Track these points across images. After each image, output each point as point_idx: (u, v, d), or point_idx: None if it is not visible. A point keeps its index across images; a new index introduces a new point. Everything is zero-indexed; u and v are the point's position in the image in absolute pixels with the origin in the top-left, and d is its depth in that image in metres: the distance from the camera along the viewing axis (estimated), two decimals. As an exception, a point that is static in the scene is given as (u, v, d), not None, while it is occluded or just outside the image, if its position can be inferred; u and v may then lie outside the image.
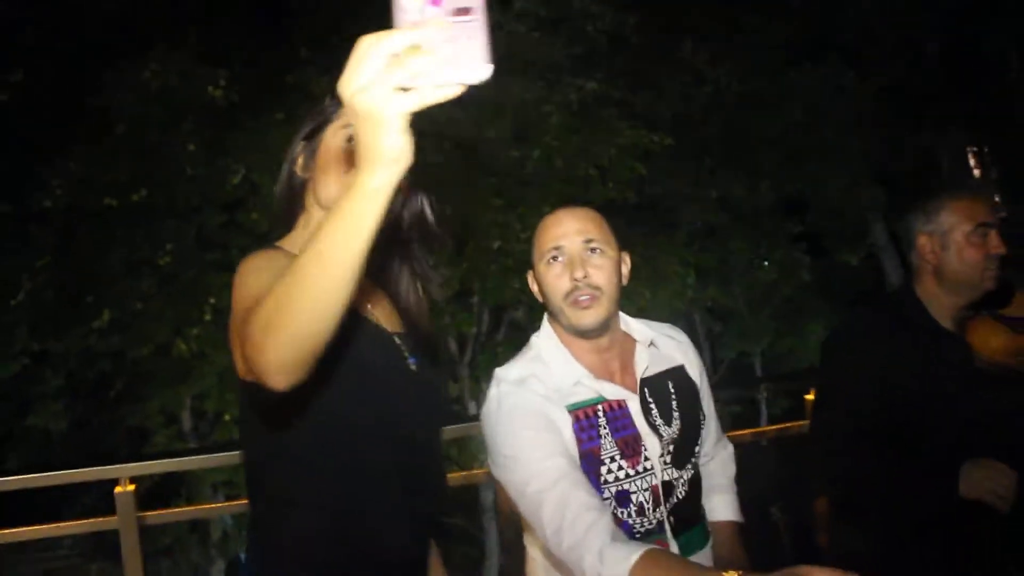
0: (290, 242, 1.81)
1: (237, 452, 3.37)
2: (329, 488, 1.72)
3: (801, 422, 3.81)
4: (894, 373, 2.51)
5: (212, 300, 9.27)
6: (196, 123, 8.96)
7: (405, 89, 0.97)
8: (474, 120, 9.34)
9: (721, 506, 2.34)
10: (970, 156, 13.56)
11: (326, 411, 1.67)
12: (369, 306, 1.85)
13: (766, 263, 11.82)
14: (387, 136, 1.01)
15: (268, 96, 9.03)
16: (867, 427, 2.50)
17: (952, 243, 2.55)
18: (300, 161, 1.84)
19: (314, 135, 1.83)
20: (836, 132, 10.82)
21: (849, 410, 2.55)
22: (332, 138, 1.80)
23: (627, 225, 10.48)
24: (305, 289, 1.13)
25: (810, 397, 3.77)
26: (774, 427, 3.84)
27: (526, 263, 2.21)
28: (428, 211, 1.91)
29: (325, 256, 1.11)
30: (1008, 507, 2.22)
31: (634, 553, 1.63)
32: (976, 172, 13.55)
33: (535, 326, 2.25)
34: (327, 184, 1.77)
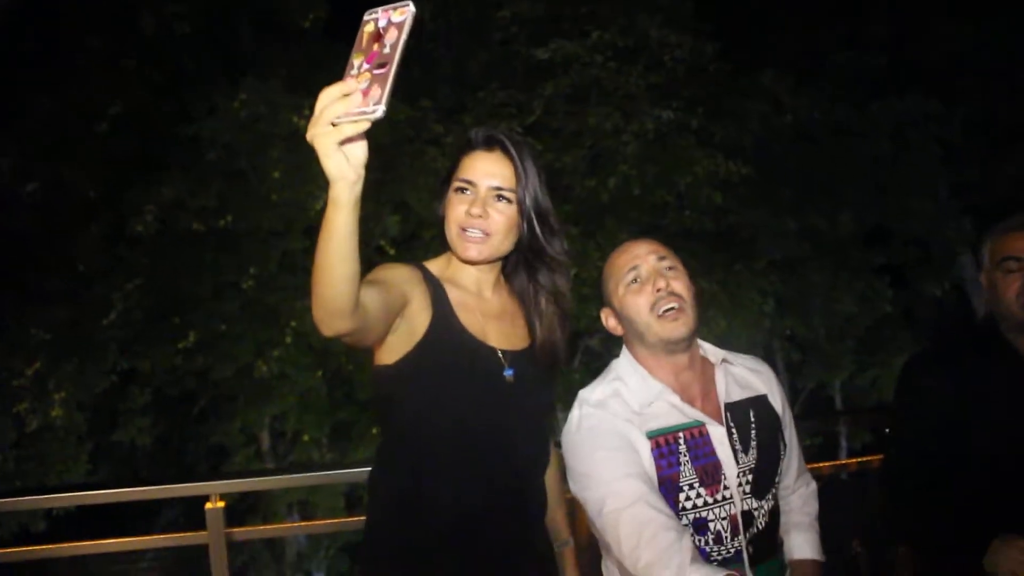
0: (432, 263, 2.10)
1: (325, 473, 3.46)
2: (401, 463, 1.98)
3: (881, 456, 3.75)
4: (969, 409, 2.45)
5: (294, 323, 9.48)
6: (282, 150, 9.21)
7: (335, 125, 1.31)
8: (549, 147, 9.42)
9: (802, 544, 2.29)
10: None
11: (409, 403, 1.92)
12: (483, 324, 2.03)
13: (834, 291, 11.52)
14: (325, 160, 1.34)
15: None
16: (934, 465, 2.44)
17: (990, 281, 2.50)
18: (439, 203, 2.08)
19: (448, 180, 2.06)
20: (922, 162, 10.58)
21: (917, 447, 2.50)
22: (450, 188, 2.03)
23: (704, 253, 10.42)
24: (315, 265, 1.49)
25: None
26: (855, 460, 3.77)
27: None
28: (541, 238, 2.07)
29: (320, 246, 1.47)
30: None
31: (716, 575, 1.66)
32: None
33: (612, 353, 2.28)
34: (447, 227, 2.03)
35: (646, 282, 2.08)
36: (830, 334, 11.48)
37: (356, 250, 1.48)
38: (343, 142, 1.34)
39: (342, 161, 1.36)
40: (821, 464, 3.78)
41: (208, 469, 11.75)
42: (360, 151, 1.38)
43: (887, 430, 2.95)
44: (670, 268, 2.09)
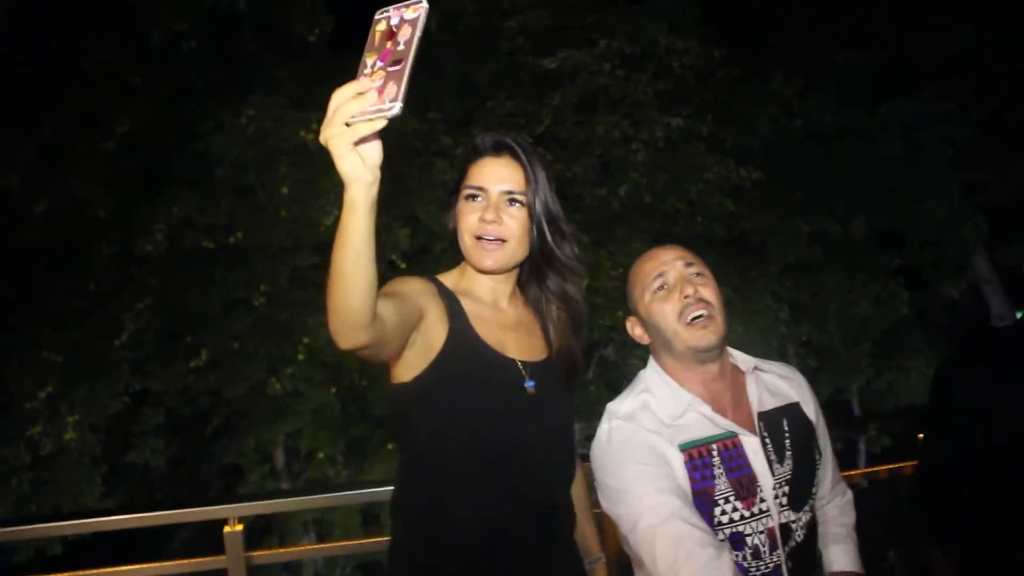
0: (445, 276, 2.06)
1: (343, 494, 3.40)
2: (422, 481, 1.93)
3: (914, 462, 3.67)
4: (1004, 410, 2.39)
5: (306, 340, 9.44)
6: (290, 166, 9.18)
7: (349, 125, 1.28)
8: (558, 157, 9.39)
9: (841, 556, 2.23)
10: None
11: (430, 419, 1.88)
12: (500, 336, 2.00)
13: (850, 295, 11.46)
14: (340, 162, 1.32)
15: (359, 139, 9.10)
16: (970, 471, 2.38)
17: None
18: (450, 215, 2.05)
19: (456, 191, 2.03)
20: (934, 163, 10.52)
21: (953, 452, 2.44)
22: (460, 197, 2.01)
23: (717, 259, 10.36)
24: (332, 277, 1.45)
25: (922, 436, 3.64)
26: (886, 467, 3.70)
27: (616, 300, 2.22)
28: (551, 243, 2.03)
29: (336, 254, 1.43)
30: None
31: None
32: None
33: (627, 363, 2.24)
34: (459, 237, 2.00)
35: (673, 289, 2.03)
36: (846, 338, 11.40)
37: (373, 256, 1.45)
38: (358, 143, 1.31)
39: (357, 162, 1.33)
40: (851, 472, 3.72)
41: (223, 489, 11.72)
42: (376, 152, 1.35)
43: (920, 435, 2.90)
44: (698, 274, 2.05)
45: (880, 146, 10.55)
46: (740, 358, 2.17)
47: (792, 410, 2.15)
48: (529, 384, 1.97)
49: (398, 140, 9.13)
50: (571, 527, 2.11)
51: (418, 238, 9.93)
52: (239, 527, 3.11)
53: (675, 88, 9.84)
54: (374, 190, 1.37)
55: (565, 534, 2.08)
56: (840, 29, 10.77)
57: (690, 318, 1.99)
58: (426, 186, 9.33)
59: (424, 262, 9.91)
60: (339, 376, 10.10)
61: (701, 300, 2.00)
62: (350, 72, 1.28)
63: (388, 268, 9.67)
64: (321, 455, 10.77)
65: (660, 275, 2.05)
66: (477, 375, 1.90)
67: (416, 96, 9.40)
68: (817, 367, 12.39)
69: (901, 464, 3.68)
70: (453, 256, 2.09)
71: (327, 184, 9.00)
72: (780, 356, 11.33)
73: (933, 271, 12.04)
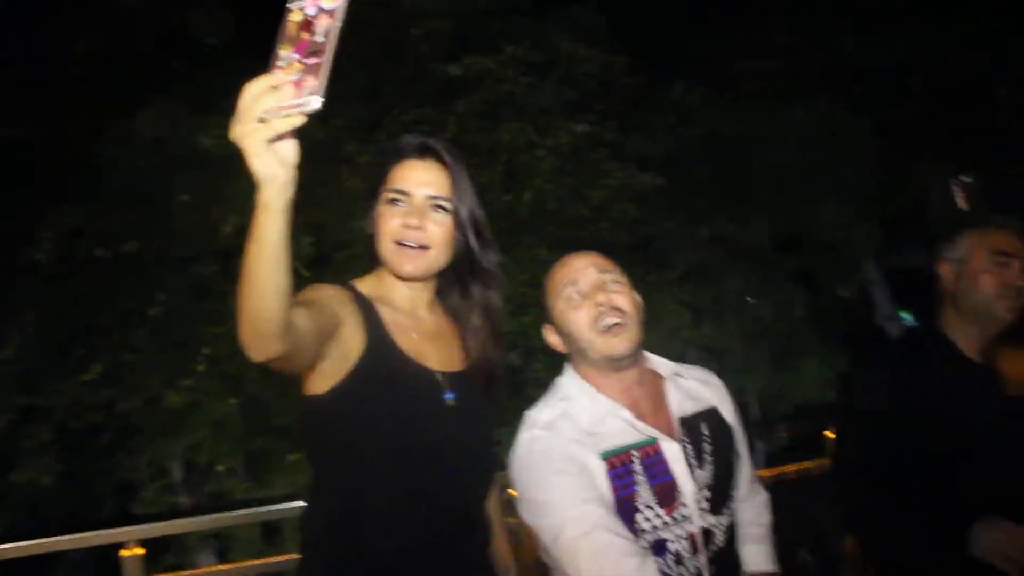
0: (361, 283, 1.98)
1: (247, 512, 3.27)
2: (336, 497, 1.87)
3: (820, 460, 3.77)
4: (915, 408, 2.47)
5: (206, 350, 9.14)
6: (189, 173, 8.88)
7: (264, 122, 1.23)
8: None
9: (758, 556, 2.27)
10: (956, 189, 13.67)
11: (347, 432, 1.83)
12: (419, 346, 1.93)
13: (750, 299, 11.76)
14: (254, 160, 1.26)
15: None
16: (886, 467, 2.46)
17: (969, 271, 2.54)
18: (369, 220, 1.98)
19: (375, 196, 1.96)
20: (829, 169, 10.87)
21: (869, 450, 2.52)
22: (380, 201, 1.93)
23: (621, 266, 10.39)
24: (244, 284, 1.38)
25: (830, 434, 3.75)
26: (795, 466, 3.81)
27: (520, 306, 2.20)
28: (476, 251, 2.00)
29: (248, 259, 1.36)
30: (1020, 573, 2.17)
31: None
32: (964, 205, 13.66)
33: (531, 367, 2.23)
34: (379, 242, 1.93)
35: (586, 297, 2.03)
36: (745, 340, 11.66)
37: (288, 261, 1.39)
38: (273, 140, 1.26)
39: (272, 161, 1.28)
40: (763, 472, 3.79)
41: (115, 507, 11.27)
42: (291, 150, 1.31)
43: (827, 433, 2.98)
44: (613, 281, 2.05)
45: (778, 152, 10.82)
46: (659, 364, 2.18)
47: (711, 415, 2.18)
48: (449, 396, 1.92)
49: (302, 147, 8.94)
50: (488, 541, 2.09)
51: (321, 246, 9.75)
52: (138, 551, 2.97)
53: (579, 95, 9.89)
54: (290, 190, 1.32)
55: (482, 549, 2.06)
56: (741, 38, 11.01)
57: (603, 326, 1.99)
58: (330, 193, 9.15)
59: (323, 271, 9.73)
60: (240, 387, 9.82)
61: (614, 308, 2.00)
62: (255, 74, 1.22)
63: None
64: (221, 468, 10.47)
65: (573, 283, 2.05)
66: (395, 387, 1.85)
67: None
68: (718, 370, 12.65)
69: (807, 464, 3.79)
70: (369, 261, 2.03)
71: (228, 191, 8.78)
72: (681, 360, 11.48)
73: (827, 274, 12.42)
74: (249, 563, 3.66)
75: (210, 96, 9.02)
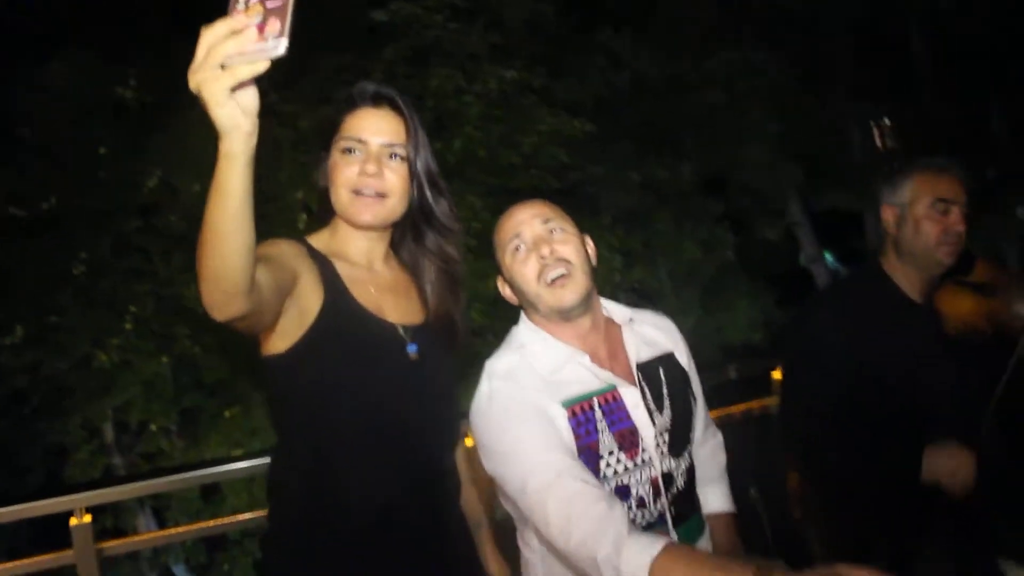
0: (314, 238, 1.95)
1: (198, 473, 3.22)
2: (305, 458, 1.84)
3: (766, 400, 3.85)
4: (862, 348, 2.54)
5: (133, 308, 8.93)
6: (107, 125, 8.58)
7: (225, 68, 1.18)
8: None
9: (715, 497, 2.33)
10: (875, 130, 13.94)
11: (311, 390, 1.79)
12: (378, 299, 1.91)
13: (678, 240, 11.87)
14: (216, 109, 1.21)
15: (182, 95, 8.63)
16: (835, 404, 2.53)
17: (911, 216, 2.60)
18: (321, 172, 1.95)
19: (328, 147, 1.92)
20: (753, 112, 10.98)
21: (816, 389, 2.58)
22: (334, 151, 1.90)
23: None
24: (206, 240, 1.35)
25: (777, 375, 3.82)
26: (742, 405, 3.87)
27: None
28: (431, 201, 1.97)
29: (211, 213, 1.32)
30: (964, 492, 2.26)
31: (655, 545, 1.61)
32: (882, 146, 13.96)
33: (467, 316, 2.22)
34: (334, 193, 1.90)
35: (531, 249, 2.01)
36: (676, 283, 11.82)
37: (252, 215, 1.36)
38: (235, 88, 1.22)
39: (236, 109, 1.24)
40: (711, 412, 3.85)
41: (46, 472, 11.03)
42: (252, 98, 1.27)
43: (774, 374, 3.04)
44: (555, 231, 2.02)
45: (705, 95, 10.89)
46: (615, 310, 2.18)
47: (667, 359, 2.19)
48: (411, 349, 1.91)
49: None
50: (458, 494, 2.09)
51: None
52: (87, 519, 2.91)
53: (507, 41, 9.78)
54: (253, 140, 1.28)
55: (453, 502, 2.06)
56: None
57: (548, 279, 1.98)
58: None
59: (256, 225, 9.52)
60: (170, 345, 9.63)
61: (560, 259, 1.98)
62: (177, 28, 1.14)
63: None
64: (154, 427, 10.31)
65: (517, 235, 2.03)
66: (357, 341, 1.83)
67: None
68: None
69: (752, 404, 3.87)
70: (320, 215, 1.99)
71: (148, 143, 8.52)
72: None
73: (754, 216, 12.62)
74: (201, 524, 3.59)
75: (125, 44, 8.74)
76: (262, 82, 1.23)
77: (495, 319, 7.55)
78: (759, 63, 10.80)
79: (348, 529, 1.82)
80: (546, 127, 9.77)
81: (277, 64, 1.19)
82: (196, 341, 9.68)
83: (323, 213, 1.98)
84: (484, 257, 2.52)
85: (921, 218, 2.58)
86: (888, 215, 2.67)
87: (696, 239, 11.56)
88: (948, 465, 2.29)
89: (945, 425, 2.50)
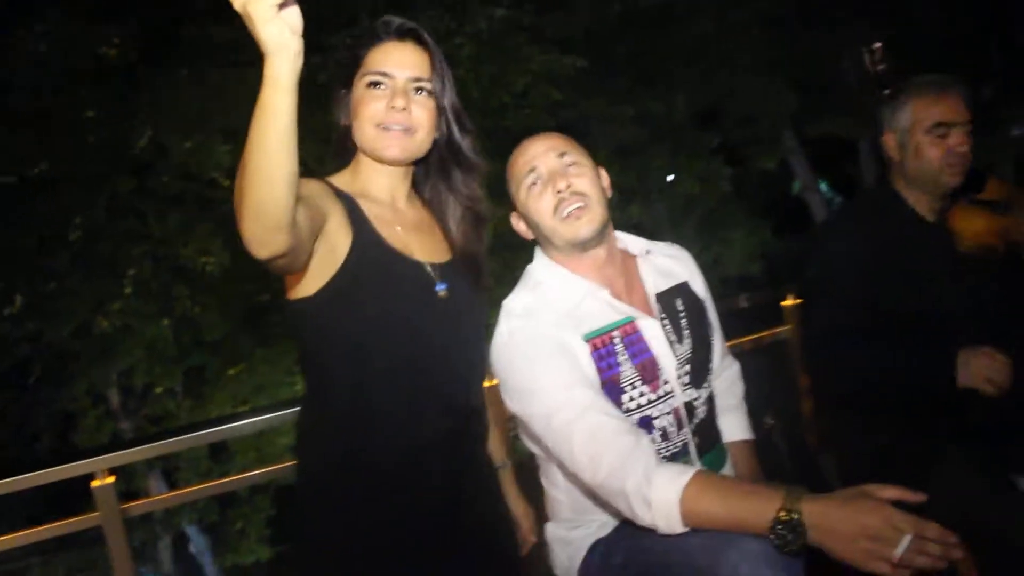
0: (336, 178, 1.87)
1: (215, 430, 3.18)
2: (340, 401, 1.79)
3: (778, 328, 3.83)
4: (878, 270, 2.53)
5: (132, 271, 8.88)
6: (94, 86, 8.43)
7: None
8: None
9: (734, 426, 2.31)
10: (866, 55, 13.82)
11: (342, 332, 1.74)
12: (405, 238, 1.86)
13: (671, 178, 11.84)
14: (264, 26, 1.17)
15: (168, 52, 8.56)
16: (858, 319, 2.51)
17: (911, 142, 2.58)
18: (342, 111, 1.88)
19: (349, 83, 1.84)
20: (744, 40, 10.87)
21: (837, 313, 2.56)
22: (358, 86, 1.82)
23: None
24: (250, 170, 1.29)
25: (787, 303, 3.81)
26: (752, 336, 3.85)
27: None
28: (458, 137, 1.91)
29: (255, 141, 1.27)
30: (1002, 395, 2.25)
31: (685, 474, 1.62)
32: (873, 70, 13.84)
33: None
34: (359, 129, 1.82)
35: (547, 183, 1.96)
36: (673, 217, 11.80)
37: (296, 143, 1.31)
38: (281, 5, 1.17)
39: (283, 26, 1.19)
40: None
41: (54, 439, 11.03)
42: (296, 17, 1.21)
43: (802, 300, 3.01)
44: (572, 164, 1.98)
45: (696, 25, 10.76)
46: (630, 242, 2.15)
47: (684, 289, 2.16)
48: (440, 287, 1.85)
49: (207, 50, 8.59)
50: (487, 434, 2.05)
51: (239, 153, 9.41)
52: (110, 480, 2.86)
53: (495, -23, 9.65)
54: (299, 61, 1.23)
55: (483, 442, 2.03)
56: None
57: (565, 212, 1.94)
58: (242, 97, 8.79)
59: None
60: (170, 306, 9.61)
61: (575, 193, 1.94)
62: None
63: (209, 188, 9.17)
64: (159, 390, 10.34)
65: (532, 170, 1.98)
66: (388, 281, 1.77)
67: (224, 4, 8.81)
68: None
69: (764, 333, 3.86)
70: (339, 157, 1.93)
71: (136, 103, 8.38)
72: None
73: (749, 146, 12.55)
74: (226, 480, 3.55)
75: (108, 3, 8.56)
76: (246, 32, 1.17)
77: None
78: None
79: (384, 471, 1.78)
80: (537, 65, 9.67)
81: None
82: (196, 301, 9.66)
83: (343, 153, 1.92)
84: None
85: (922, 143, 2.56)
86: (890, 141, 2.64)
87: (692, 173, 11.50)
88: (988, 366, 2.27)
89: (964, 342, 2.51)
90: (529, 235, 2.08)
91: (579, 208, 1.93)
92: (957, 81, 2.60)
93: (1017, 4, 12.20)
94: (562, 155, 1.98)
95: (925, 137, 2.55)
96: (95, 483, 2.84)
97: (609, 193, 2.06)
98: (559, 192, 1.93)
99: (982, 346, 2.30)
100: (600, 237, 1.98)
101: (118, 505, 2.86)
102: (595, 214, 1.95)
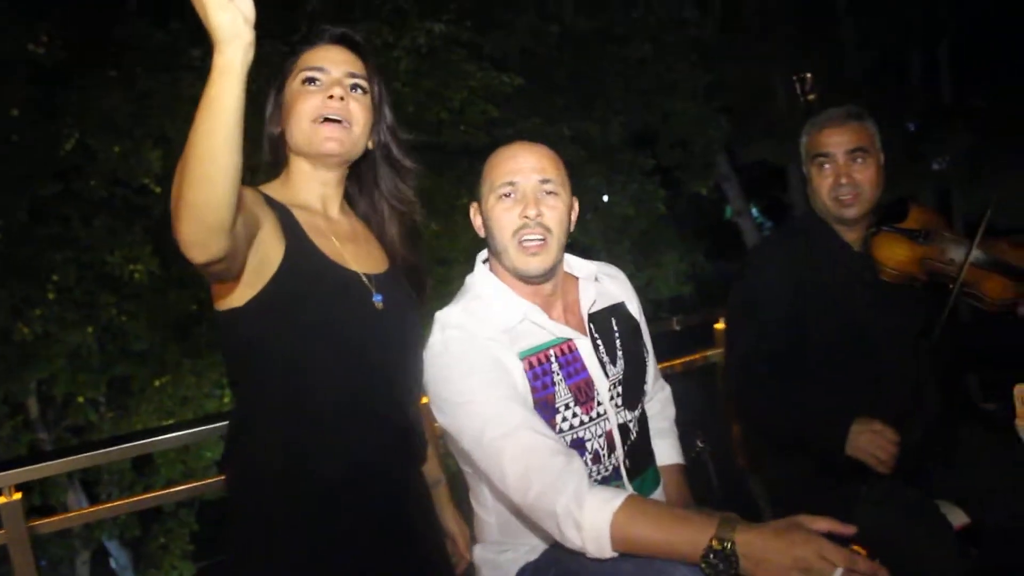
0: (268, 187, 1.84)
1: (131, 445, 3.07)
2: (271, 416, 1.73)
3: (709, 351, 3.86)
4: (803, 297, 2.59)
5: (55, 277, 8.62)
6: (19, 85, 8.20)
7: None
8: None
9: (667, 449, 2.31)
10: (796, 84, 14.13)
11: (277, 344, 1.70)
12: (340, 248, 1.83)
13: (605, 198, 11.91)
14: (218, 13, 1.16)
15: (97, 52, 8.37)
16: (780, 345, 2.56)
17: (808, 176, 2.72)
18: (273, 117, 1.86)
19: (282, 87, 1.84)
20: (680, 65, 11.02)
21: (759, 340, 2.60)
22: (291, 85, 1.82)
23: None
24: (191, 164, 1.25)
25: (719, 326, 3.84)
26: (684, 359, 3.87)
27: None
28: (393, 139, 1.92)
29: (200, 134, 1.23)
30: (887, 471, 2.27)
31: (616, 498, 1.60)
32: (803, 98, 14.16)
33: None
34: (294, 126, 1.80)
35: (519, 202, 1.93)
36: (608, 238, 11.85)
37: (241, 140, 1.28)
38: None
39: (237, 15, 1.18)
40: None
41: (15, 457, 10.64)
42: (250, 6, 1.20)
43: (725, 325, 3.05)
44: (550, 193, 1.94)
45: (633, 49, 10.88)
46: (577, 265, 2.13)
47: (619, 309, 2.17)
48: (377, 298, 1.82)
49: (141, 56, 8.43)
50: (424, 449, 2.02)
51: (170, 160, 9.25)
52: (17, 496, 2.74)
53: (434, -7, 9.66)
54: (251, 53, 1.22)
55: (420, 455, 1.99)
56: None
57: (523, 240, 1.92)
58: (174, 102, 8.64)
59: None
60: (95, 314, 9.35)
61: (541, 225, 1.91)
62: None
63: (138, 194, 8.99)
64: (81, 399, 10.03)
65: (511, 183, 1.94)
66: (323, 291, 1.74)
67: (157, 6, 8.69)
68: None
69: (695, 356, 3.89)
70: (270, 167, 1.91)
71: (63, 103, 8.18)
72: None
73: (682, 170, 12.70)
74: (137, 498, 3.40)
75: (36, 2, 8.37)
76: (180, 37, 1.15)
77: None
78: (685, 17, 10.83)
79: (318, 488, 1.73)
80: (475, 82, 9.65)
81: (195, 18, 1.15)
82: (122, 309, 9.42)
83: (274, 163, 1.90)
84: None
85: (811, 173, 2.68)
86: (805, 170, 2.75)
87: (627, 194, 11.59)
88: (873, 443, 2.30)
89: (886, 371, 2.58)
90: (481, 232, 2.05)
91: (539, 243, 1.91)
92: (857, 114, 2.66)
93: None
94: (544, 181, 1.94)
95: (812, 167, 2.66)
96: (1, 499, 2.72)
97: (573, 227, 2.03)
98: (526, 217, 1.90)
99: (874, 420, 2.32)
100: (548, 274, 1.97)
101: (25, 523, 2.73)
102: (550, 254, 1.93)
